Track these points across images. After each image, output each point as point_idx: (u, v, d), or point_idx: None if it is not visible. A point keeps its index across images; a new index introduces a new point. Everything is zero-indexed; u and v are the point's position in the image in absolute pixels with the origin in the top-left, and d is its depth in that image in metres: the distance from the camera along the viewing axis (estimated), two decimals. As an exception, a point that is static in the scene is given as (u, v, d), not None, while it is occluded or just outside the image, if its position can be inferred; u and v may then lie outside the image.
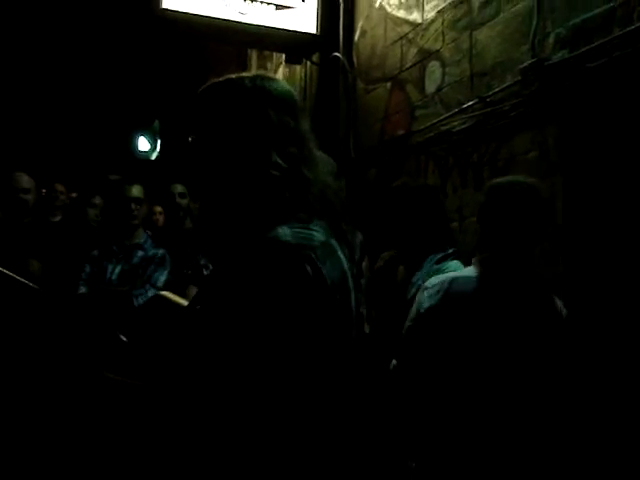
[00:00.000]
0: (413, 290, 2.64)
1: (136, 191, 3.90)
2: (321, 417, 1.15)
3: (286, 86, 1.37)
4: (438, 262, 2.74)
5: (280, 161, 1.25)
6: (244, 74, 1.35)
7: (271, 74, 1.42)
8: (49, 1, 7.64)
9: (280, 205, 1.24)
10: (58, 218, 4.86)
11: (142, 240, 3.93)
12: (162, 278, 3.82)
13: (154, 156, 10.55)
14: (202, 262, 3.92)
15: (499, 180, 2.41)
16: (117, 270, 3.81)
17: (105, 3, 7.37)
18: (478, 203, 2.40)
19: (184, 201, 4.60)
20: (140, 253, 3.88)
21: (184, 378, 1.13)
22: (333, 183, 1.37)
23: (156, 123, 10.44)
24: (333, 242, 1.24)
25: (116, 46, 8.39)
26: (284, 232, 1.17)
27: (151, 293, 3.68)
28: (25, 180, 4.04)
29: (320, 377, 1.14)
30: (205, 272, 3.90)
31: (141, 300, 3.67)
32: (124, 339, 1.66)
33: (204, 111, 1.33)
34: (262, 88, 1.31)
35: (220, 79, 1.35)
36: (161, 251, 3.92)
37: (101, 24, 7.97)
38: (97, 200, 4.70)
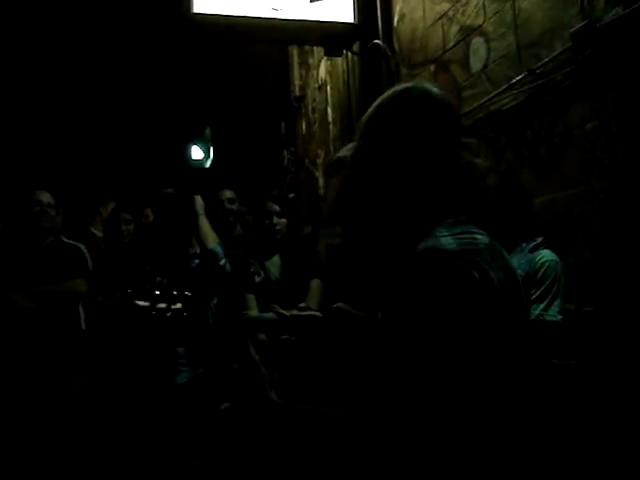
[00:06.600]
0: None
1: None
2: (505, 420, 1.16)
3: (441, 90, 1.39)
4: (532, 251, 2.75)
5: (457, 162, 1.28)
6: (404, 85, 1.37)
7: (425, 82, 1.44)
8: (105, 22, 7.78)
9: (445, 207, 1.26)
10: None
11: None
12: None
13: (208, 164, 10.55)
14: (252, 269, 3.79)
15: None
16: None
17: (150, 17, 7.45)
18: (535, 183, 2.24)
19: (234, 206, 4.51)
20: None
21: (390, 395, 1.15)
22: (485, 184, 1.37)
23: (207, 131, 10.43)
24: (496, 243, 1.26)
25: (159, 59, 8.45)
26: (446, 239, 1.18)
27: None
28: (45, 195, 3.98)
29: (503, 381, 1.15)
30: (257, 279, 3.76)
31: None
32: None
33: (377, 125, 1.36)
34: (426, 95, 1.34)
35: (386, 95, 1.38)
36: None
37: (147, 39, 8.06)
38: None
